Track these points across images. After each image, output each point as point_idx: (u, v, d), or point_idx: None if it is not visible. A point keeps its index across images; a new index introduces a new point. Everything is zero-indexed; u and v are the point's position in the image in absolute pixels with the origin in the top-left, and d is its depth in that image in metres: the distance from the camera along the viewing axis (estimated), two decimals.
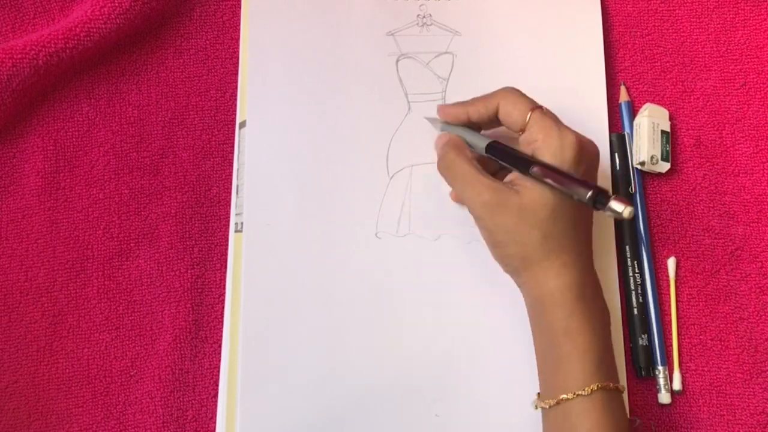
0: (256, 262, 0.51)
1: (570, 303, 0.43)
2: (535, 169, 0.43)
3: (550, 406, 0.43)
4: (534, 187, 0.44)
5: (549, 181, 0.43)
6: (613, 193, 0.41)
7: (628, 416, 0.45)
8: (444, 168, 0.48)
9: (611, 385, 0.43)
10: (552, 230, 0.44)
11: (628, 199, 0.40)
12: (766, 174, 0.55)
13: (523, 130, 0.46)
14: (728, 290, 0.54)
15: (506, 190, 0.44)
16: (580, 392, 0.42)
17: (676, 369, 0.52)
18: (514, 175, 0.45)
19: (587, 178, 0.45)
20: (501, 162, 0.46)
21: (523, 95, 0.47)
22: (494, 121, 0.48)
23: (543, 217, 0.43)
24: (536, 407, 0.45)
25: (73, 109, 0.54)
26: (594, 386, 0.42)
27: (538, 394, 0.46)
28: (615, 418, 0.42)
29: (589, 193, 0.41)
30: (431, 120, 0.52)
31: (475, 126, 0.50)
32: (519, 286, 0.47)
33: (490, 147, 0.47)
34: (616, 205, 0.40)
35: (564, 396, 0.42)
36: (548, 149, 0.44)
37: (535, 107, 0.46)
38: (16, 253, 0.52)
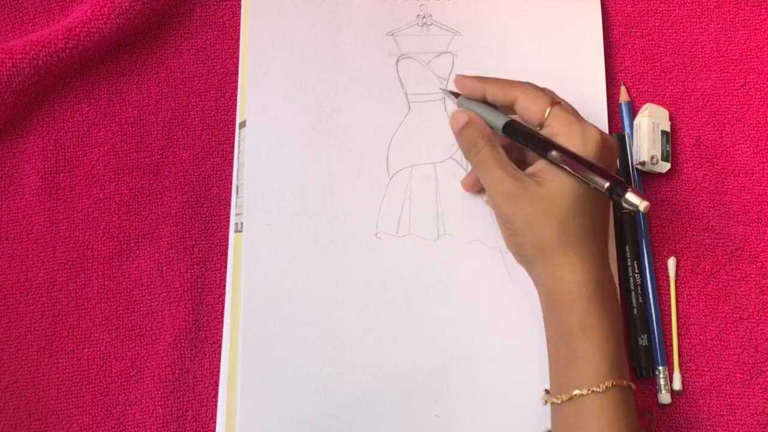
0: (256, 262, 0.51)
1: (586, 299, 0.43)
2: (553, 153, 0.43)
3: (561, 402, 0.43)
4: (556, 178, 0.43)
5: (566, 167, 0.42)
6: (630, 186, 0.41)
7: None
8: (468, 150, 0.47)
9: (624, 383, 0.43)
10: (571, 223, 0.43)
11: (644, 194, 0.40)
12: (766, 174, 0.55)
13: (541, 125, 0.45)
14: (728, 290, 0.54)
15: (528, 180, 0.44)
16: (594, 389, 0.42)
17: (676, 369, 0.52)
18: (536, 167, 0.45)
19: None
20: (518, 142, 0.46)
21: (543, 91, 0.46)
22: (509, 109, 0.48)
23: (563, 209, 0.43)
24: (545, 402, 0.45)
25: (73, 109, 0.54)
26: (609, 383, 0.42)
27: (546, 390, 0.45)
28: (627, 415, 0.42)
29: (607, 184, 0.41)
30: (446, 93, 0.52)
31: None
32: (532, 278, 0.46)
33: (508, 126, 0.46)
34: (633, 198, 0.40)
35: (577, 392, 0.42)
36: (570, 143, 0.44)
37: (555, 102, 0.45)
38: (16, 253, 0.52)
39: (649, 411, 0.46)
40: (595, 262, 0.44)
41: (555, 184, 0.44)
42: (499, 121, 0.47)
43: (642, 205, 0.39)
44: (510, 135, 0.46)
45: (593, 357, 0.43)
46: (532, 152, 0.46)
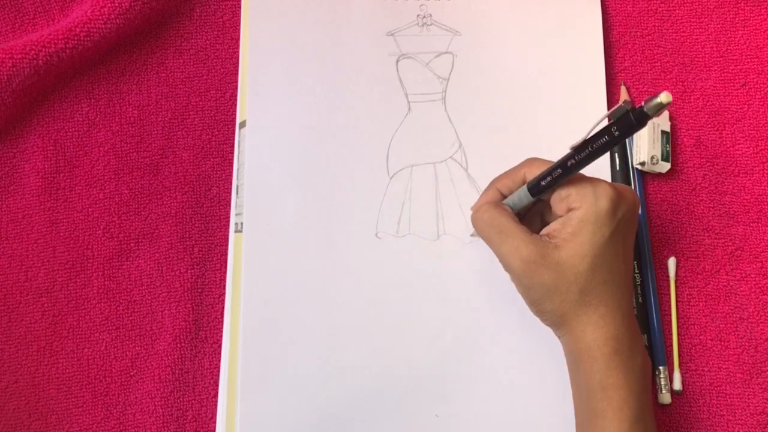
0: (256, 262, 0.51)
1: (606, 358, 0.43)
2: (571, 162, 0.42)
3: None
4: (573, 238, 0.43)
5: (594, 146, 0.41)
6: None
7: None
8: (479, 222, 0.47)
9: None
10: (590, 283, 0.43)
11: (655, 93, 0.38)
12: (766, 174, 0.55)
13: (553, 190, 0.45)
14: (728, 290, 0.54)
15: (545, 244, 0.43)
16: None
17: (676, 369, 0.52)
18: (551, 227, 0.44)
19: (627, 225, 0.44)
20: (548, 187, 0.45)
21: (546, 160, 0.46)
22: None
23: (582, 270, 0.43)
24: None
25: (73, 109, 0.54)
26: None
27: None
28: None
29: (624, 113, 0.39)
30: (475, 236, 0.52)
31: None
32: (558, 338, 0.46)
33: (532, 187, 0.45)
34: (652, 103, 0.38)
35: None
36: (583, 200, 0.43)
37: None
38: (16, 253, 0.52)
39: None
40: (616, 318, 0.43)
41: (573, 244, 0.43)
42: (521, 193, 0.46)
43: (662, 97, 0.37)
44: (537, 189, 0.45)
45: (613, 416, 0.42)
46: (558, 198, 0.44)
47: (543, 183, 0.44)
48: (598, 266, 0.43)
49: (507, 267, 0.45)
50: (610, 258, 0.43)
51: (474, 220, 0.47)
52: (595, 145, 0.41)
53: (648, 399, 0.44)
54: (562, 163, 0.43)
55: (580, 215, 0.43)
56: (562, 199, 0.44)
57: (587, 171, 0.44)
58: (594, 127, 0.41)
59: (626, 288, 0.45)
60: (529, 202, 0.46)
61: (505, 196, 0.48)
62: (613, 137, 0.40)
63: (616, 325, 0.43)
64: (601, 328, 0.43)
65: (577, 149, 0.42)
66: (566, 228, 0.43)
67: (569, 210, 0.44)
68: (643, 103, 0.38)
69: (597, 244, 0.43)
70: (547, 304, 0.44)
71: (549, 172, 0.44)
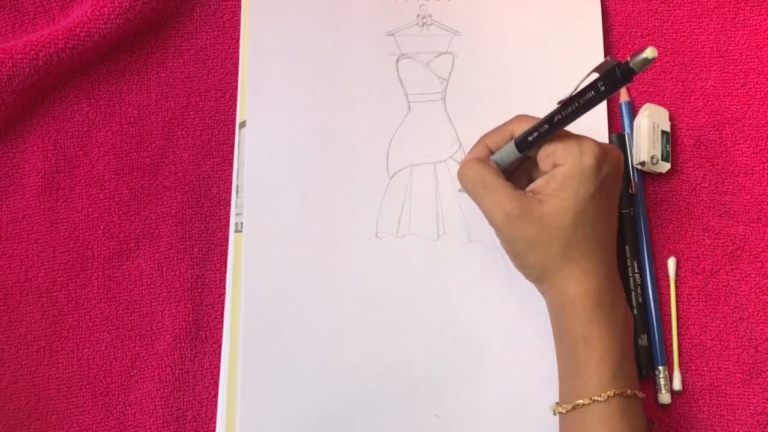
0: (256, 262, 0.51)
1: (588, 310, 0.43)
2: (558, 117, 0.43)
3: (566, 411, 0.43)
4: (556, 194, 0.43)
5: (581, 101, 0.41)
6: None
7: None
8: (465, 177, 0.47)
9: (629, 391, 0.43)
10: (573, 238, 0.43)
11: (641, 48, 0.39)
12: (766, 174, 0.55)
13: (539, 147, 0.46)
14: (728, 290, 0.54)
15: (528, 199, 0.44)
16: (596, 398, 0.42)
17: (676, 369, 0.52)
18: (537, 184, 0.45)
19: (611, 182, 0.45)
20: (534, 142, 0.45)
21: (535, 117, 0.46)
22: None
23: (565, 225, 0.43)
24: (554, 412, 0.45)
25: (73, 109, 0.54)
26: (610, 392, 0.42)
27: (557, 402, 0.46)
28: (632, 424, 0.42)
29: (611, 67, 0.39)
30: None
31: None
32: (541, 293, 0.47)
33: (519, 142, 0.46)
34: (639, 57, 0.38)
35: (580, 401, 0.42)
36: (568, 156, 0.44)
37: None
38: (16, 253, 0.52)
39: (651, 422, 0.46)
40: (598, 273, 0.44)
41: (556, 200, 0.43)
42: (509, 149, 0.47)
43: (647, 52, 0.38)
44: (524, 145, 0.46)
45: (595, 366, 0.43)
46: (544, 154, 0.45)
47: (530, 138, 0.45)
48: (581, 222, 0.44)
49: (490, 221, 0.46)
50: (593, 214, 0.44)
51: (460, 176, 0.48)
52: (581, 100, 0.42)
53: (630, 351, 0.45)
54: (549, 119, 0.44)
55: (565, 171, 0.44)
56: (547, 155, 0.45)
57: None
58: (581, 83, 0.42)
59: (609, 244, 0.46)
60: (516, 158, 0.47)
61: (493, 152, 0.48)
62: (599, 92, 0.41)
63: (598, 279, 0.44)
64: (583, 282, 0.44)
65: (564, 104, 0.42)
66: (550, 184, 0.44)
67: (554, 166, 0.44)
68: (629, 59, 0.39)
69: (580, 199, 0.43)
70: (529, 258, 0.45)
71: (536, 128, 0.44)
